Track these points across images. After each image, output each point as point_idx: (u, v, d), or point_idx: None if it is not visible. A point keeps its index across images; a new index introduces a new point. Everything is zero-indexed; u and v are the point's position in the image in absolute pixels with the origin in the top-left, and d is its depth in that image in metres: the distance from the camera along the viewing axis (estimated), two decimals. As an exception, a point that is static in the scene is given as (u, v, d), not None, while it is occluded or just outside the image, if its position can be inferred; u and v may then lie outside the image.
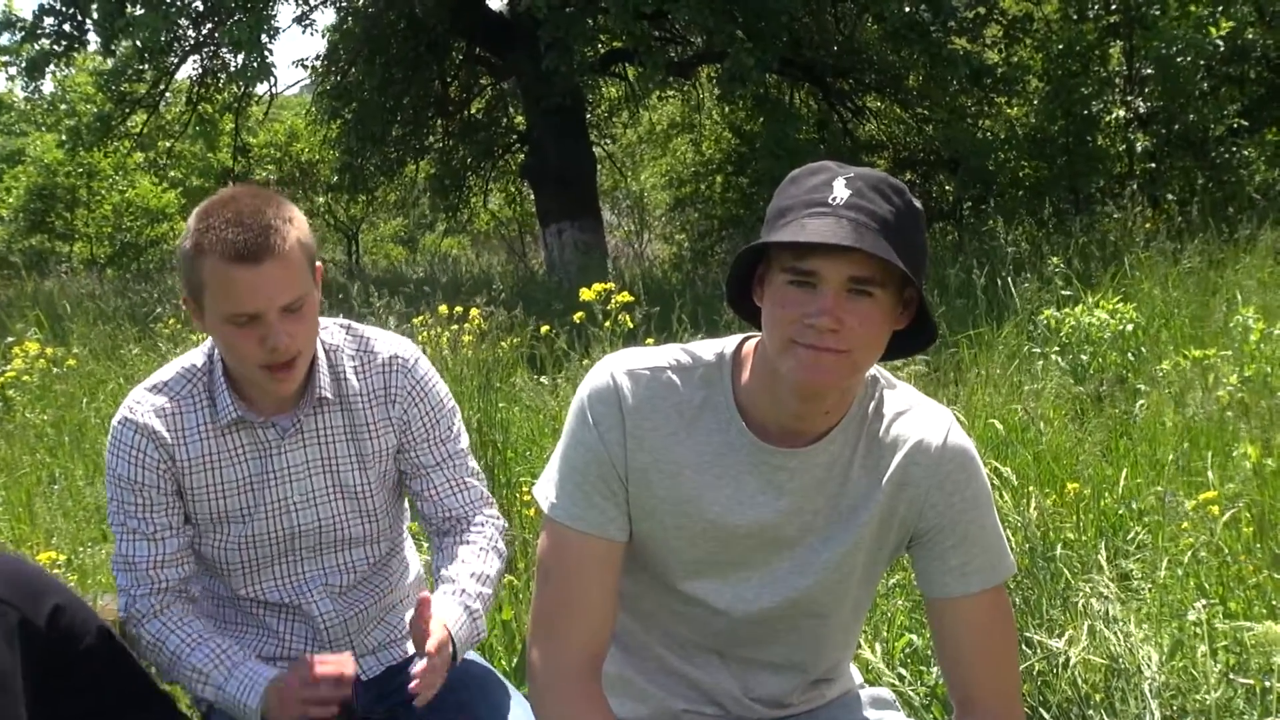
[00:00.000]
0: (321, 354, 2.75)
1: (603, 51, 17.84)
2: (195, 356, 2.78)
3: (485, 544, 2.82)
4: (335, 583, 2.83)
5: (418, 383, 2.83)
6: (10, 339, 9.39)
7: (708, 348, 2.21)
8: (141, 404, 2.71)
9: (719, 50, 15.86)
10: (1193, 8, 15.62)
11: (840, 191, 1.97)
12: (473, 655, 2.93)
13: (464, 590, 2.66)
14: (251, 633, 2.86)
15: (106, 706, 2.68)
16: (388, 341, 2.86)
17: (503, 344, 7.77)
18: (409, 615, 2.54)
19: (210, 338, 2.74)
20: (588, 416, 2.17)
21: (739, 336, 2.22)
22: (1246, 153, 16.03)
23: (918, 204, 2.04)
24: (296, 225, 2.56)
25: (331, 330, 2.83)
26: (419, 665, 2.43)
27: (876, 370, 2.21)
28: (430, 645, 2.43)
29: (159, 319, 9.68)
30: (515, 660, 3.71)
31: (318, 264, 2.65)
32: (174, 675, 2.73)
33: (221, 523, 2.75)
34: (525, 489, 4.87)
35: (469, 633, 2.62)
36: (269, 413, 2.74)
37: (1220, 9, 15.41)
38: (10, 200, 30.09)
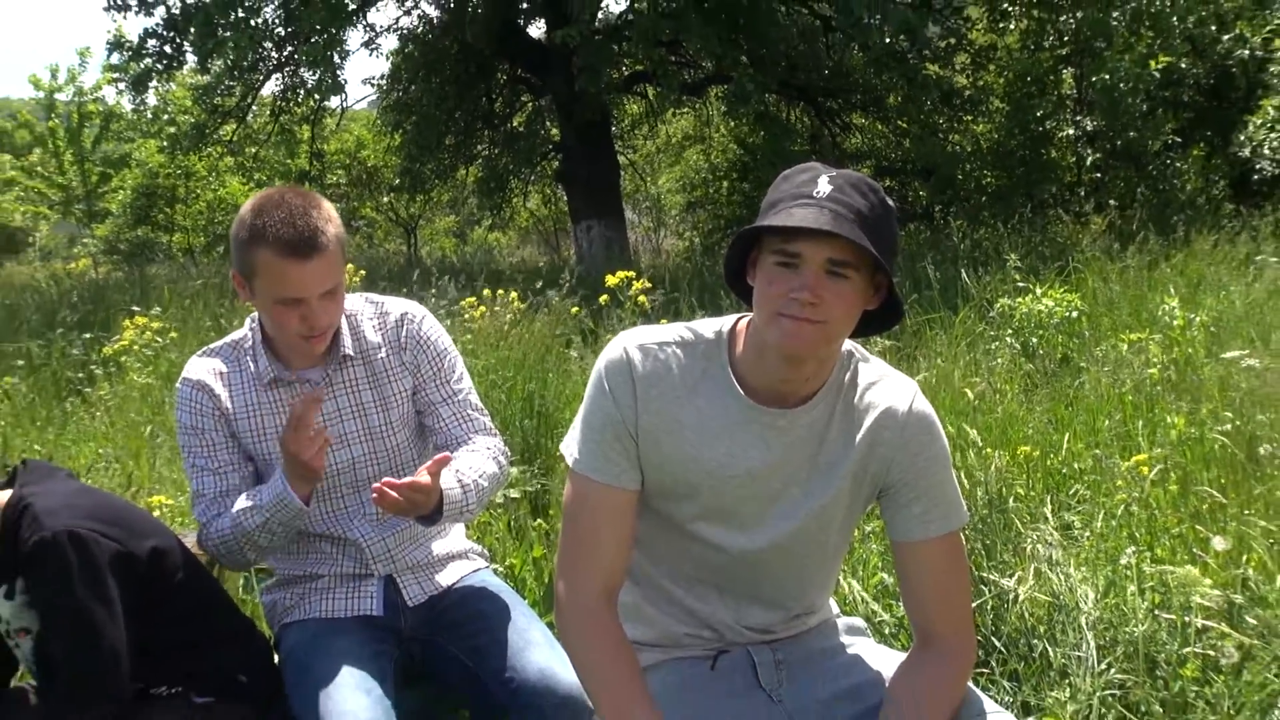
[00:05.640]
0: (344, 320, 2.86)
1: (626, 74, 17.84)
2: (240, 330, 2.91)
3: (486, 452, 2.87)
4: (373, 513, 2.88)
5: (424, 333, 2.94)
6: (135, 309, 9.45)
7: (708, 325, 2.22)
8: (196, 366, 2.85)
9: (726, 73, 15.89)
10: (1135, 41, 15.58)
11: (824, 187, 2.00)
12: (502, 586, 2.97)
13: (459, 470, 2.69)
14: (312, 557, 2.91)
15: (197, 633, 2.72)
16: (398, 304, 2.99)
17: (547, 320, 7.78)
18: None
19: (253, 314, 2.88)
20: (604, 385, 2.18)
21: (735, 316, 2.23)
22: (1179, 165, 15.97)
23: (891, 202, 2.06)
24: (334, 223, 2.67)
25: (351, 299, 2.93)
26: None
27: (853, 346, 2.22)
28: (420, 473, 2.50)
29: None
30: (543, 592, 3.73)
31: (345, 248, 2.75)
32: (238, 544, 2.73)
33: (269, 465, 2.82)
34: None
35: (456, 497, 2.64)
36: (300, 368, 2.84)
37: (1159, 42, 15.37)
38: (119, 197, 30.25)
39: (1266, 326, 7.08)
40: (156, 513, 3.61)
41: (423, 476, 2.49)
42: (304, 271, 2.60)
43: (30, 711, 2.68)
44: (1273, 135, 14.02)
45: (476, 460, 2.80)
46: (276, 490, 2.65)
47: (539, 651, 2.68)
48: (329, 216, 2.66)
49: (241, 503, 2.71)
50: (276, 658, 2.88)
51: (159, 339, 7.97)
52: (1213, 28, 16.08)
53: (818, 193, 1.99)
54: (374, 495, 2.44)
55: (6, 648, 2.68)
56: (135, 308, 9.58)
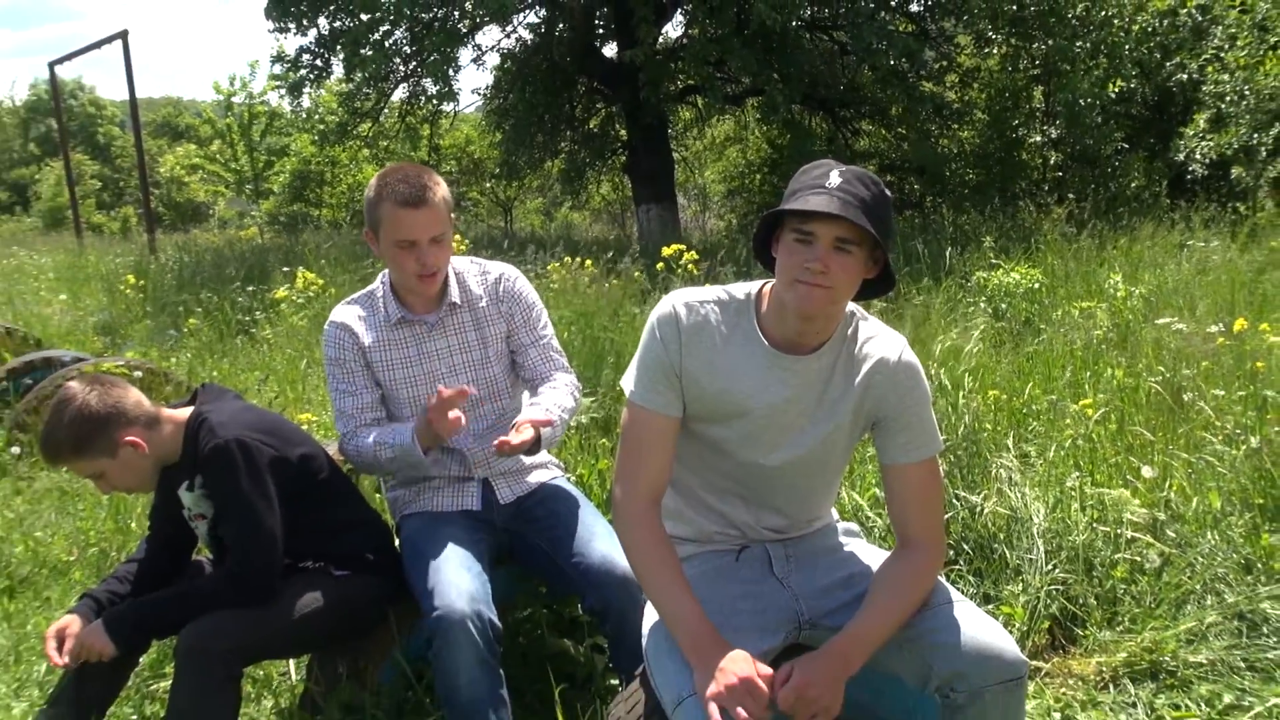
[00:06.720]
0: (452, 275, 2.92)
1: (681, 87, 17.70)
2: (373, 284, 2.97)
3: (563, 387, 2.92)
4: (475, 428, 2.92)
5: (517, 290, 2.98)
6: (286, 268, 9.55)
7: (740, 288, 2.21)
8: (340, 312, 2.93)
9: (761, 88, 15.72)
10: (1094, 65, 15.29)
11: (835, 179, 1.99)
12: (574, 490, 3.00)
13: (546, 407, 2.77)
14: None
15: (335, 520, 2.76)
16: (498, 266, 3.03)
17: (613, 283, 7.79)
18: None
19: (382, 272, 2.95)
20: (656, 333, 2.17)
21: (761, 281, 2.22)
22: (1127, 167, 15.70)
23: (889, 192, 2.04)
24: (441, 187, 2.76)
25: (461, 261, 3.00)
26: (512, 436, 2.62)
27: (855, 307, 2.20)
28: (521, 424, 2.65)
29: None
30: (605, 495, 3.75)
31: (452, 214, 2.83)
32: (371, 462, 2.82)
33: (395, 388, 2.89)
34: (617, 382, 4.89)
35: (550, 433, 2.73)
36: (419, 313, 2.89)
37: (1115, 65, 15.10)
38: (280, 180, 30.55)
39: (1193, 299, 6.97)
40: (304, 427, 3.66)
41: (527, 432, 2.62)
42: (416, 218, 2.69)
43: (206, 579, 2.74)
44: (1203, 143, 13.71)
45: (559, 397, 2.86)
46: (405, 442, 2.71)
47: (601, 542, 2.71)
48: (437, 182, 2.76)
49: (378, 437, 2.77)
50: (397, 542, 2.93)
51: (313, 290, 8.06)
52: (1158, 55, 15.76)
53: (829, 184, 1.98)
54: (494, 447, 2.60)
55: (189, 529, 2.74)
56: (285, 268, 9.69)
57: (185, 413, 2.66)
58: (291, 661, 3.19)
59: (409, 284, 2.82)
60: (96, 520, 4.47)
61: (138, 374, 5.81)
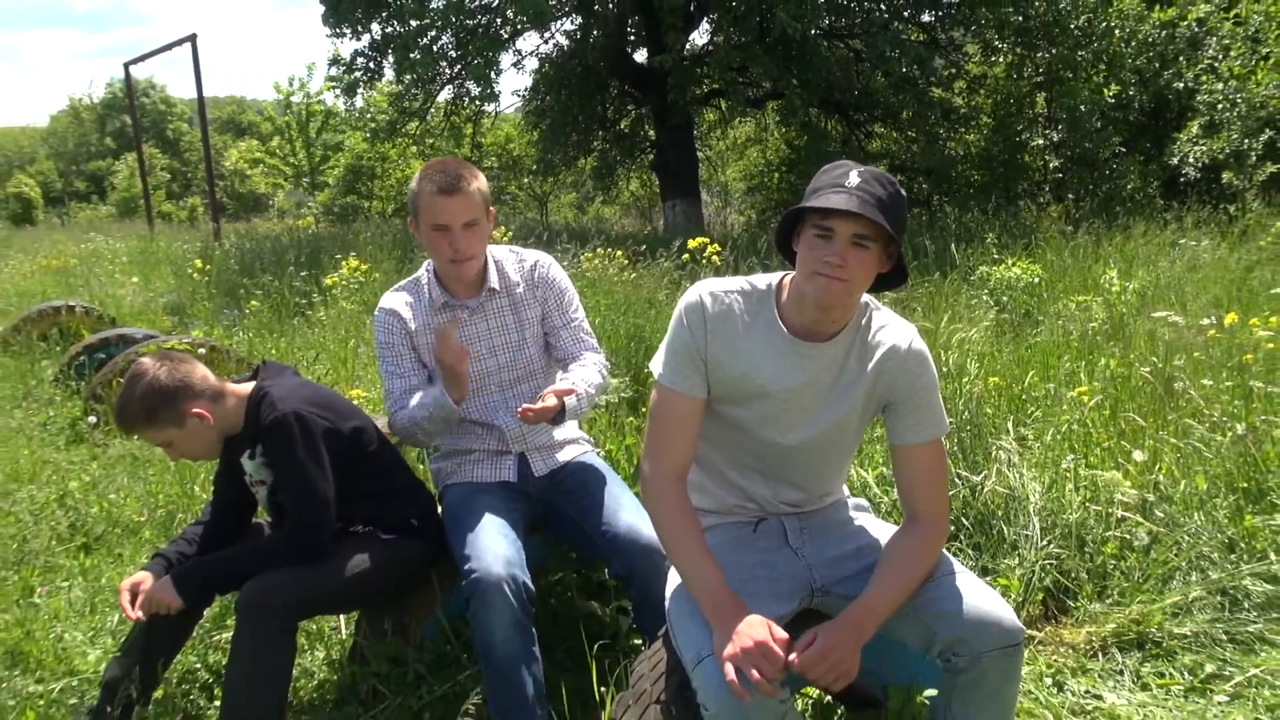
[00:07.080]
0: (491, 262, 2.93)
1: (706, 90, 17.62)
2: (418, 271, 2.98)
3: (591, 365, 2.93)
4: (513, 405, 2.93)
5: (551, 276, 2.99)
6: (338, 256, 9.58)
7: (762, 279, 2.20)
8: (389, 299, 2.93)
9: (780, 92, 15.63)
10: (1094, 73, 15.12)
11: (854, 179, 1.98)
12: (603, 464, 2.99)
13: (573, 381, 2.78)
14: (468, 437, 2.95)
15: (383, 488, 2.78)
16: (533, 253, 3.04)
17: (642, 273, 7.77)
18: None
19: (427, 260, 2.98)
20: (683, 320, 2.17)
21: (782, 273, 2.21)
22: (1123, 169, 15.52)
23: (903, 191, 2.03)
24: (477, 179, 2.78)
25: (499, 250, 3.00)
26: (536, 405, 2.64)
27: (869, 298, 2.19)
28: (545, 394, 2.67)
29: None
30: (632, 470, 3.75)
31: (491, 208, 2.84)
32: (415, 428, 2.80)
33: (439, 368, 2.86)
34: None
35: (573, 405, 2.73)
36: (461, 298, 2.90)
37: (1114, 73, 14.93)
38: (334, 173, 30.66)
39: (1184, 294, 6.90)
40: (355, 402, 3.68)
41: (550, 400, 2.63)
42: (450, 204, 2.72)
43: (265, 540, 2.77)
44: (1196, 148, 13.53)
45: (587, 373, 2.85)
46: (436, 395, 2.73)
47: (628, 513, 2.71)
48: (474, 174, 2.77)
49: (415, 400, 2.78)
50: (439, 509, 2.94)
51: (360, 276, 8.09)
52: (1156, 64, 15.55)
53: (849, 183, 1.97)
54: (518, 413, 2.61)
55: (250, 494, 2.76)
56: (338, 255, 9.73)
57: (247, 387, 2.68)
58: (342, 617, 3.22)
59: (445, 269, 2.84)
60: (165, 485, 4.52)
61: (203, 351, 5.86)
